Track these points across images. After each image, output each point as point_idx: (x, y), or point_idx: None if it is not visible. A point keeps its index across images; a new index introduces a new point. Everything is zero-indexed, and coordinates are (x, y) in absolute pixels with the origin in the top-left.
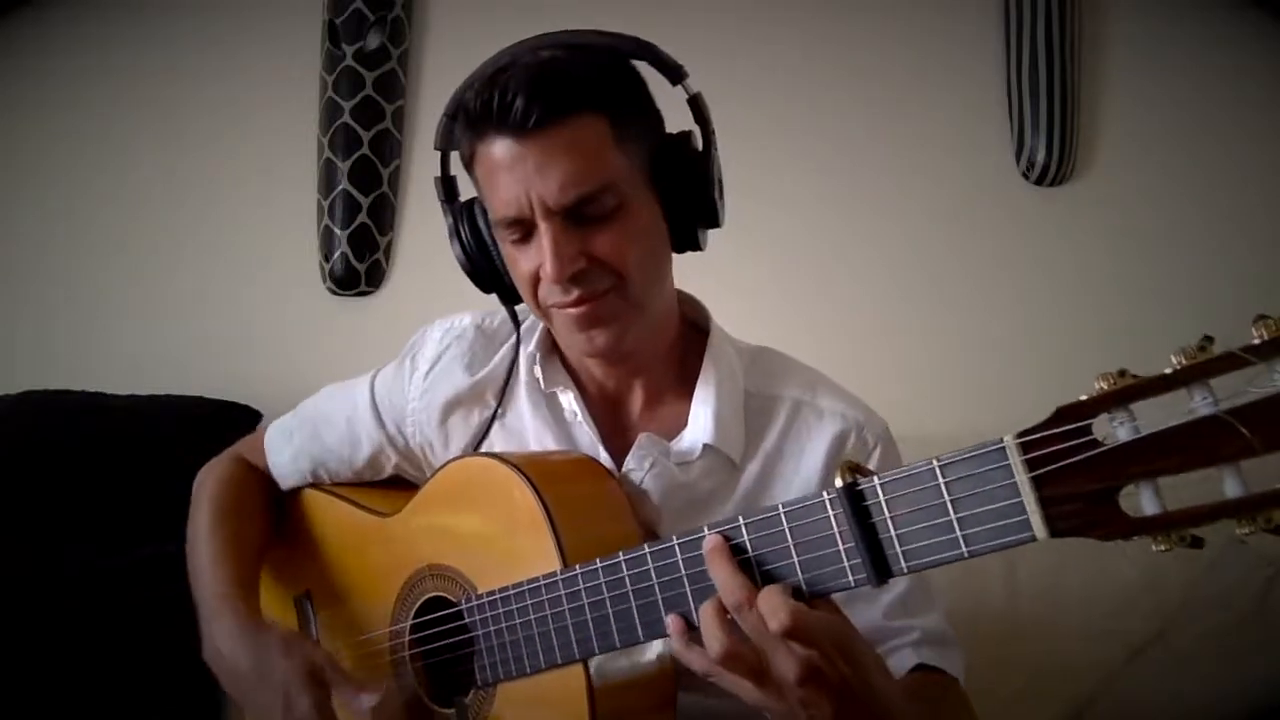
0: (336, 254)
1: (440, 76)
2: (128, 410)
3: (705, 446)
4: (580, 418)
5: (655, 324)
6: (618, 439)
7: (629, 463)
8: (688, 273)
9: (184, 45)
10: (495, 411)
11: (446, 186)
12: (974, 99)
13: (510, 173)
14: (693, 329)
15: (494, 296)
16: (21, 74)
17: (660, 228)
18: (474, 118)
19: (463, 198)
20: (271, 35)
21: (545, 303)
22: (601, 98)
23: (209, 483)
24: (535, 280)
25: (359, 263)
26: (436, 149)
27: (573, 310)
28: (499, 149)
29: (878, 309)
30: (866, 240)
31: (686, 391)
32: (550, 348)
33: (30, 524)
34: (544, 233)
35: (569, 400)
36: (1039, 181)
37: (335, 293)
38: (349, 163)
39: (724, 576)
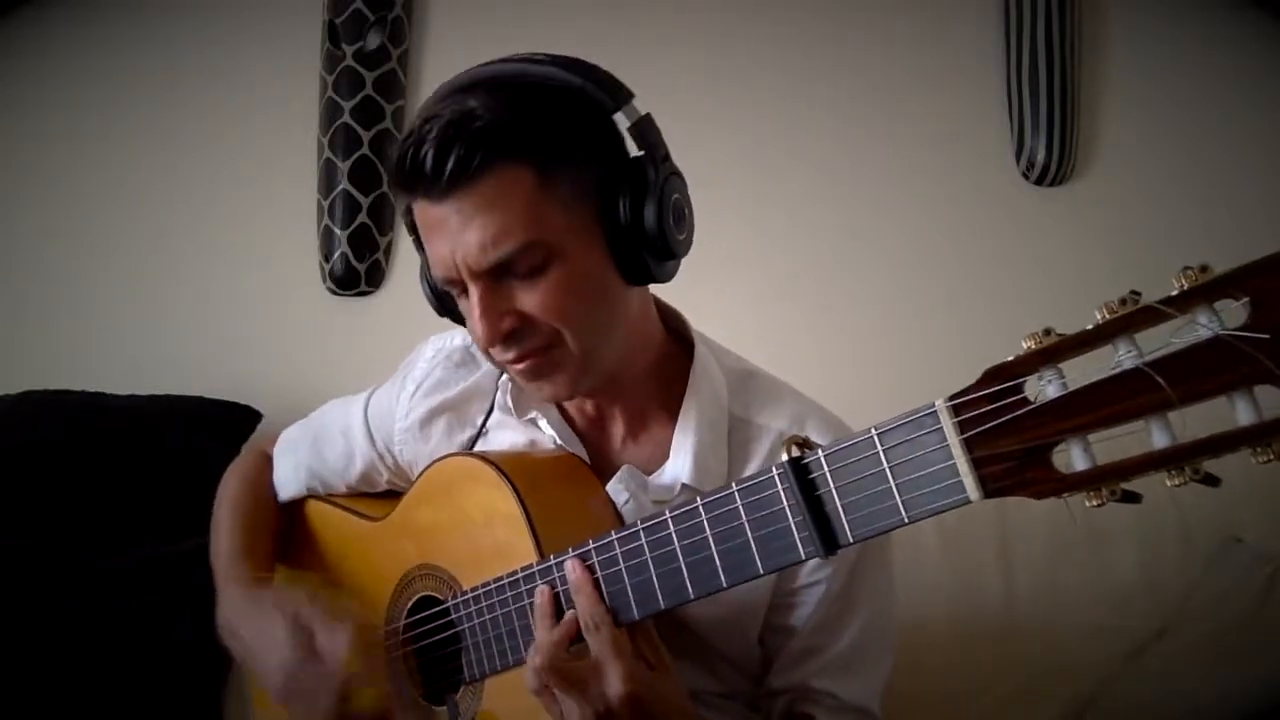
0: (336, 254)
1: (440, 76)
2: (128, 410)
3: (684, 486)
4: (559, 443)
5: (617, 359)
6: (601, 462)
7: (607, 491)
8: (687, 274)
9: (184, 45)
10: (480, 431)
11: (411, 226)
12: (974, 99)
13: (437, 234)
14: (678, 344)
15: None
16: (21, 74)
17: (606, 270)
18: (395, 179)
19: None
20: (271, 35)
21: (494, 358)
22: (523, 145)
23: (232, 478)
24: None
25: (359, 263)
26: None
27: (516, 366)
28: (423, 211)
29: (878, 309)
30: (866, 240)
31: (671, 413)
32: None
33: (30, 524)
34: (471, 294)
35: (546, 425)
36: (1039, 181)
37: (335, 293)
38: (349, 163)
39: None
